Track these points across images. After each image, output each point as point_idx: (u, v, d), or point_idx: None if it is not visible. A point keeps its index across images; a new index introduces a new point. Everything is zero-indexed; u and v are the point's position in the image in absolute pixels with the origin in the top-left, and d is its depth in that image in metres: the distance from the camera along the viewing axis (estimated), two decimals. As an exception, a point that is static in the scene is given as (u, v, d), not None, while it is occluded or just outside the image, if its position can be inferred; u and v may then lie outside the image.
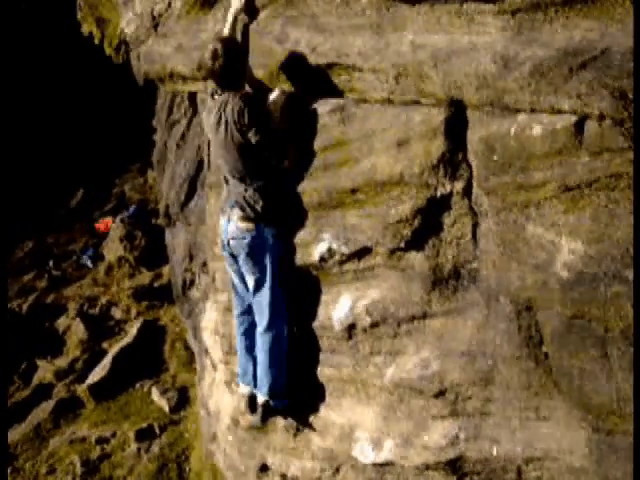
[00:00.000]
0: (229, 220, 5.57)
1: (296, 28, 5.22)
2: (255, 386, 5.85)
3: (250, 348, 5.87)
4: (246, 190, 5.44)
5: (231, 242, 5.58)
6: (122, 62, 8.26)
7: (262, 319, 5.61)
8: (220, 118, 5.35)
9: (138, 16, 7.31)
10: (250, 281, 5.60)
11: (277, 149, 5.45)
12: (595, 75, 3.63)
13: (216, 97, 5.45)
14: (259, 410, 5.81)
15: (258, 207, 5.40)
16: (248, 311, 5.83)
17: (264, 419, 5.90)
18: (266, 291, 5.54)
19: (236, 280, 5.81)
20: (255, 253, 5.48)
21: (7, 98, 15.44)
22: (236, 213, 5.49)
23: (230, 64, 5.23)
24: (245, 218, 5.45)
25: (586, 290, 3.89)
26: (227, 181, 5.67)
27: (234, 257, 5.65)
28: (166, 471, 8.30)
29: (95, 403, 9.71)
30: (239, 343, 5.97)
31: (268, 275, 5.51)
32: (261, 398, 5.77)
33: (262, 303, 5.58)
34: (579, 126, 3.80)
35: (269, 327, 5.59)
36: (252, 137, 5.26)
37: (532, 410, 4.35)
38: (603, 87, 3.61)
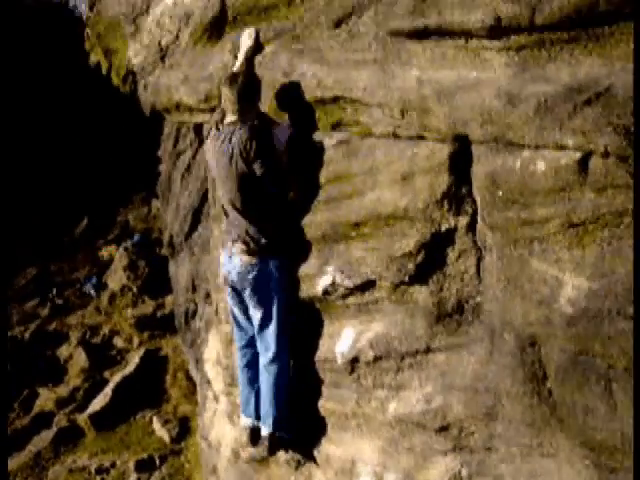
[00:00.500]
0: (231, 255, 5.55)
1: (302, 62, 5.26)
2: (257, 418, 5.82)
3: (253, 380, 5.83)
4: (249, 223, 5.42)
5: (235, 277, 5.54)
6: (129, 92, 8.31)
7: (267, 351, 5.59)
8: (225, 149, 5.34)
9: (146, 47, 7.36)
10: (257, 315, 5.57)
11: (281, 181, 5.46)
12: (599, 112, 3.64)
13: (220, 127, 5.47)
14: (265, 443, 5.73)
15: (262, 240, 5.39)
16: (250, 344, 5.80)
17: (272, 451, 5.82)
18: (273, 324, 5.51)
19: (238, 313, 5.79)
20: (261, 287, 5.47)
21: (13, 126, 15.53)
22: (239, 247, 5.46)
23: (246, 91, 5.27)
24: (249, 252, 5.43)
25: (590, 326, 3.87)
26: (226, 214, 5.66)
27: (237, 291, 5.63)
28: (166, 502, 8.25)
29: (96, 432, 9.67)
30: (241, 375, 5.93)
31: (275, 308, 5.49)
32: (266, 430, 5.72)
33: (268, 336, 5.55)
34: (583, 162, 3.80)
35: (274, 359, 5.57)
36: (257, 169, 5.26)
37: (535, 446, 4.31)
38: (607, 124, 3.62)
